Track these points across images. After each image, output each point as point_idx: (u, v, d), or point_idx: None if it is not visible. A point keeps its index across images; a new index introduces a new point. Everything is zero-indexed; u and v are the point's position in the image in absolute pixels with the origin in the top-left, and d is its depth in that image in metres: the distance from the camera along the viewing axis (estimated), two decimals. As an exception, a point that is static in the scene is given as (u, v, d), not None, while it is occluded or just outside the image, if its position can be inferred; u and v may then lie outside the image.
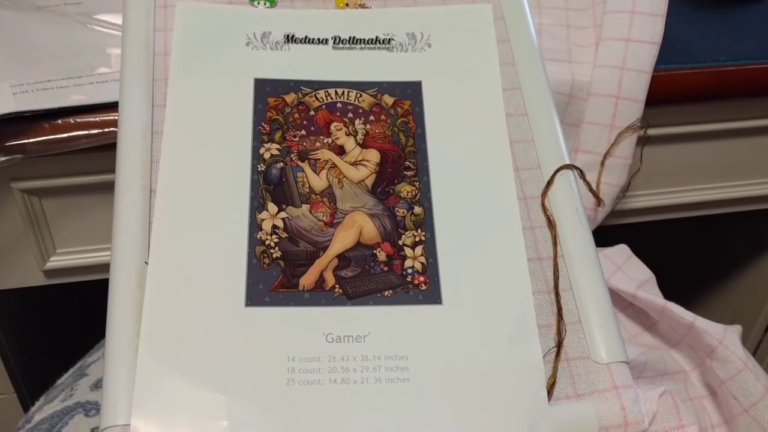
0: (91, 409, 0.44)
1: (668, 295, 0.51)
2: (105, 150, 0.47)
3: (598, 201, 0.50)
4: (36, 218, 0.53)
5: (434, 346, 0.38)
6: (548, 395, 0.37)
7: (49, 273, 0.56)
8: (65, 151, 0.47)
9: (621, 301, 0.52)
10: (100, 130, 0.47)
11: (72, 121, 0.47)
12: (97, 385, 0.46)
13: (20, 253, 0.54)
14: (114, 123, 0.47)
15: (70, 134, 0.47)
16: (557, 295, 0.40)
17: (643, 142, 0.54)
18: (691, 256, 0.92)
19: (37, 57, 0.50)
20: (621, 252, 0.54)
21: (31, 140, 0.46)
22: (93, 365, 0.48)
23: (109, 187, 0.41)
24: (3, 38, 0.52)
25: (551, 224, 0.42)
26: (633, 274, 0.52)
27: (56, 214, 0.53)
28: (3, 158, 0.46)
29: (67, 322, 0.76)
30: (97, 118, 0.48)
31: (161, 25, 0.46)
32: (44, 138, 0.47)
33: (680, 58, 0.56)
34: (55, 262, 0.55)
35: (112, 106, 0.47)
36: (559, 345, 0.39)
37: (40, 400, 0.47)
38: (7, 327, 0.63)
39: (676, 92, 0.55)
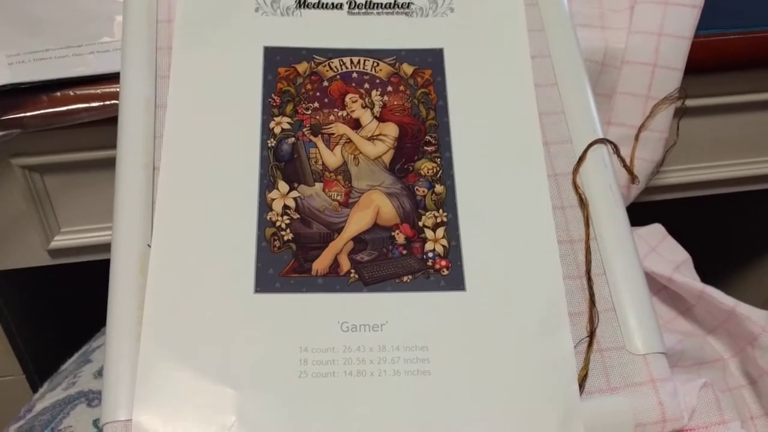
0: (94, 398, 0.43)
1: (698, 275, 0.49)
2: (108, 124, 0.45)
3: (633, 178, 0.48)
4: (38, 196, 0.52)
5: (457, 335, 0.36)
6: (580, 389, 0.35)
7: (54, 252, 0.55)
8: (66, 125, 0.46)
9: (654, 284, 0.50)
10: (101, 103, 0.46)
11: (71, 94, 0.46)
12: (101, 372, 0.44)
13: (23, 232, 0.53)
14: (116, 95, 0.45)
15: (70, 107, 0.45)
16: (589, 280, 0.38)
17: (680, 113, 0.51)
18: (721, 234, 0.89)
19: (37, 25, 0.48)
20: (655, 232, 0.51)
21: (29, 114, 0.45)
22: (98, 351, 0.47)
23: (113, 164, 0.40)
24: (0, 5, 0.50)
25: (583, 203, 0.40)
26: (668, 255, 0.49)
27: (59, 192, 0.52)
28: (0, 133, 0.44)
29: (77, 301, 0.76)
30: (98, 90, 0.46)
31: None
32: (42, 111, 0.45)
33: (723, 22, 0.52)
34: (60, 241, 0.54)
35: (114, 78, 0.46)
36: (592, 334, 0.37)
37: (43, 387, 0.46)
38: (15, 307, 0.62)
39: (718, 60, 0.52)
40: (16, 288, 0.63)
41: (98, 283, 0.40)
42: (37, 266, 0.55)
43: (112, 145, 0.40)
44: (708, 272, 0.52)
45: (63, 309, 0.75)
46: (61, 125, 0.46)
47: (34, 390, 0.60)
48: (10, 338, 0.60)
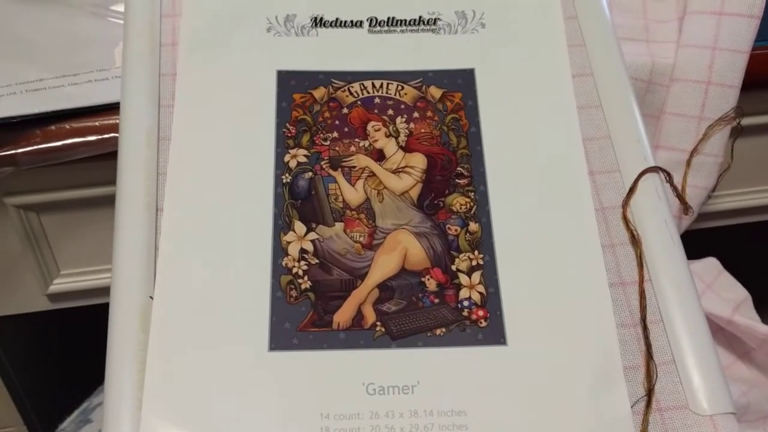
0: (93, 467, 0.39)
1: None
2: (108, 158, 0.43)
3: (686, 208, 0.44)
4: (35, 237, 0.49)
5: (498, 397, 0.33)
6: (639, 457, 0.32)
7: (53, 297, 0.53)
8: (62, 162, 0.44)
9: (711, 326, 0.46)
10: (100, 137, 0.43)
11: (67, 127, 0.43)
12: (101, 436, 0.41)
13: (20, 276, 0.51)
14: (115, 128, 0.43)
15: (65, 142, 0.43)
16: (645, 329, 0.35)
17: (736, 133, 0.47)
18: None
19: (29, 52, 0.46)
20: (710, 267, 0.47)
21: (22, 150, 0.43)
22: (98, 409, 0.44)
23: (114, 201, 0.38)
24: (-7, 32, 0.48)
25: (635, 241, 0.37)
26: (726, 293, 0.46)
27: (58, 232, 0.50)
28: (-9, 171, 0.42)
29: (80, 347, 0.74)
30: (96, 123, 0.44)
31: (169, 10, 0.42)
32: (36, 147, 0.43)
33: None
34: (60, 284, 0.52)
35: (114, 109, 0.43)
36: (650, 392, 0.34)
37: (39, 450, 0.43)
38: (16, 355, 0.61)
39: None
40: (15, 335, 0.61)
41: (103, 327, 0.38)
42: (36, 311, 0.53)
43: (114, 181, 0.37)
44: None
45: (66, 355, 0.73)
46: (57, 161, 0.43)
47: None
48: (10, 388, 0.58)
